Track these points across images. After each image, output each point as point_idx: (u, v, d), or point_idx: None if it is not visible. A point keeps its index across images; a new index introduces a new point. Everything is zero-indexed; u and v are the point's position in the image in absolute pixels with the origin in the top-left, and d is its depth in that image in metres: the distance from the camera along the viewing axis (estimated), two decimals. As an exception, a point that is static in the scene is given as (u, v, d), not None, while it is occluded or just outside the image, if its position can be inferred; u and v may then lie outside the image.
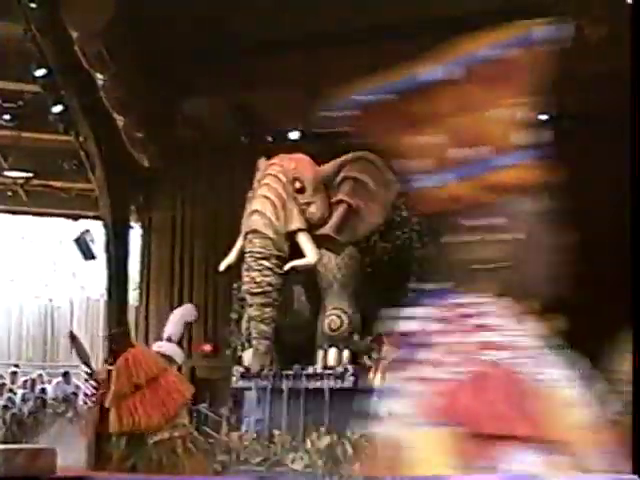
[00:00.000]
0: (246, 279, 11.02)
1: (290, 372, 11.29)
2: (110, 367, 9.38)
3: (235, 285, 12.24)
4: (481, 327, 3.15)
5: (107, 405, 8.83)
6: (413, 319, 3.26)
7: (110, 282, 16.16)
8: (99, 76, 14.24)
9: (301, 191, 11.22)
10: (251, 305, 11.06)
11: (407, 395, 3.12)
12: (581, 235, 4.04)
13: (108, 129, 15.17)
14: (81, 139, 15.28)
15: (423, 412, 3.06)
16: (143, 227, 17.04)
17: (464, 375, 3.07)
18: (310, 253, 11.01)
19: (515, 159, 3.17)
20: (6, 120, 16.07)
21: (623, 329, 5.63)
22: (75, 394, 16.62)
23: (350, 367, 11.14)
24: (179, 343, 11.40)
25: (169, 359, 10.18)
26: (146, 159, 15.88)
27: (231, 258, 11.37)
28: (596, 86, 12.15)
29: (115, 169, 15.60)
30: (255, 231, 10.97)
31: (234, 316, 12.52)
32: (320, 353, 11.35)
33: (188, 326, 12.66)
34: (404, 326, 3.28)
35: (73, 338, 11.61)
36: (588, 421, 3.06)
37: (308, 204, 11.23)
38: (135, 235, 17.00)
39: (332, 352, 11.30)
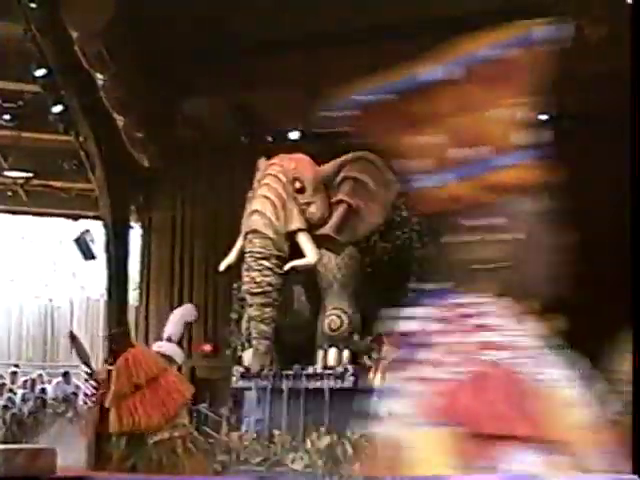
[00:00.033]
0: (246, 279, 11.01)
1: (290, 372, 11.29)
2: (110, 367, 9.38)
3: (235, 285, 12.24)
4: (481, 327, 3.15)
5: (107, 405, 8.83)
6: (413, 319, 3.26)
7: (110, 282, 16.16)
8: (99, 76, 14.24)
9: (301, 191, 11.22)
10: (251, 305, 11.06)
11: (407, 395, 3.12)
12: (581, 235, 4.05)
13: (108, 129, 15.18)
14: (81, 139, 15.28)
15: (423, 412, 3.06)
16: (143, 227, 17.04)
17: (464, 375, 3.07)
18: (310, 253, 11.01)
19: (515, 159, 3.17)
20: (6, 120, 16.07)
21: (623, 329, 5.62)
22: (75, 394, 16.63)
23: (350, 367, 11.14)
24: (179, 343, 11.40)
25: (169, 359, 10.18)
26: (146, 159, 15.89)
27: (231, 258, 11.37)
28: (596, 86, 12.15)
29: (115, 169, 15.60)
30: (255, 231, 10.96)
31: (234, 316, 12.52)
32: (320, 353, 11.35)
33: (188, 326, 12.66)
34: (404, 326, 3.28)
35: (73, 338, 11.61)
36: (588, 421, 3.06)
37: (308, 204, 11.22)
38: (135, 235, 17.00)
39: (332, 352, 11.30)
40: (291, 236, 11.06)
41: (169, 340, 11.10)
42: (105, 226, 16.08)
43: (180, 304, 15.03)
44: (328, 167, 11.49)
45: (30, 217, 21.02)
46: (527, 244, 3.19)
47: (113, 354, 9.28)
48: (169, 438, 8.76)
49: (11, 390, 17.15)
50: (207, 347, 15.68)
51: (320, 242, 11.14)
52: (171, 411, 8.71)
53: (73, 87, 14.56)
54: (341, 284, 11.50)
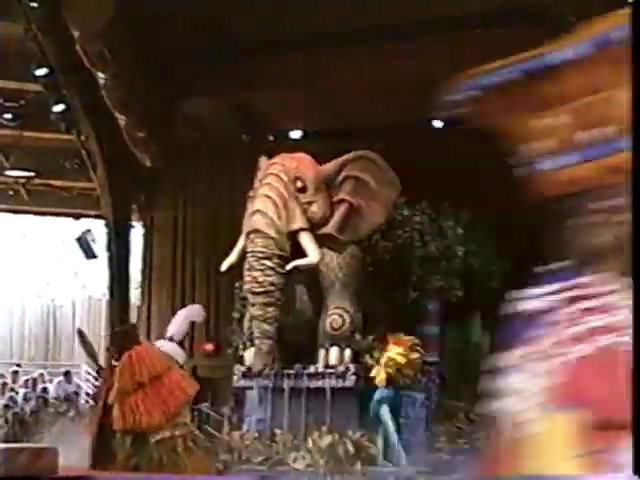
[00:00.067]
0: (248, 279, 11.02)
1: (292, 371, 11.30)
2: (115, 364, 9.37)
3: (237, 284, 12.26)
4: (603, 307, 3.13)
5: (110, 402, 8.84)
6: (536, 298, 3.25)
7: (112, 281, 16.18)
8: (100, 75, 14.23)
9: (303, 190, 11.22)
10: (253, 305, 11.07)
11: (530, 373, 3.10)
12: None
13: (109, 128, 15.18)
14: (82, 138, 15.29)
15: (548, 393, 3.03)
16: (145, 226, 17.05)
17: (585, 355, 3.04)
18: (312, 253, 11.01)
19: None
20: (8, 119, 16.08)
21: None
22: (77, 393, 16.66)
23: (352, 366, 11.15)
24: (181, 343, 11.39)
25: (170, 358, 10.18)
26: (148, 158, 15.89)
27: (233, 258, 11.37)
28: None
29: (117, 168, 15.61)
30: (257, 231, 10.97)
31: (236, 315, 12.55)
32: (322, 352, 11.36)
33: (191, 325, 12.67)
34: (527, 305, 3.27)
35: (81, 335, 11.65)
36: None
37: (310, 203, 11.23)
38: (137, 234, 17.01)
39: (334, 351, 11.31)
40: (293, 235, 11.06)
41: (171, 339, 11.10)
42: (107, 225, 16.09)
43: (182, 303, 15.04)
44: (329, 166, 11.49)
45: (32, 216, 21.05)
46: None
47: (119, 351, 9.27)
48: (170, 437, 8.76)
49: (13, 389, 17.18)
50: (209, 346, 15.69)
51: (322, 241, 11.15)
52: (172, 409, 8.71)
53: (74, 86, 14.57)
54: (343, 283, 11.51)
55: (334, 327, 11.29)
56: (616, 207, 3.21)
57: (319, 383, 11.20)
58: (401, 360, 10.87)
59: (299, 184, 11.20)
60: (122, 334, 9.81)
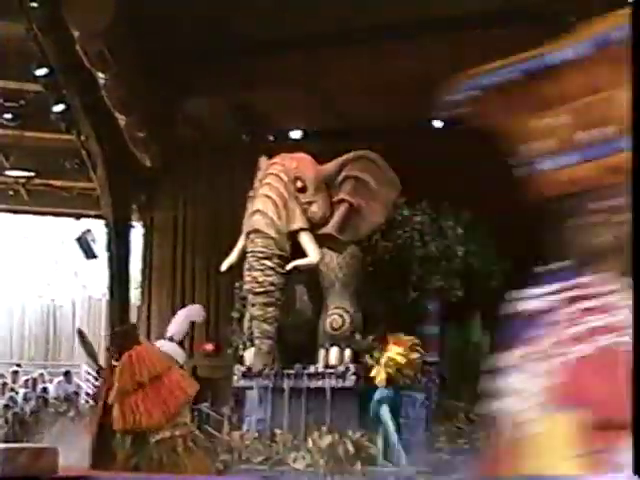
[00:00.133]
0: (248, 279, 11.01)
1: (291, 371, 11.31)
2: (116, 363, 9.36)
3: (237, 284, 12.26)
4: (603, 307, 3.14)
5: (110, 401, 8.84)
6: (536, 298, 3.25)
7: (112, 281, 16.17)
8: (100, 75, 14.24)
9: (303, 190, 11.21)
10: (253, 305, 11.06)
11: (530, 373, 3.10)
12: None
13: (110, 128, 15.18)
14: (83, 138, 15.29)
15: (548, 393, 3.04)
16: (145, 226, 17.05)
17: (585, 355, 3.04)
18: (313, 253, 11.01)
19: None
20: (8, 119, 16.09)
21: None
22: (77, 393, 16.66)
23: (352, 366, 11.15)
24: (181, 343, 11.39)
25: (170, 358, 10.18)
26: (148, 159, 15.89)
27: (233, 258, 11.37)
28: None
29: (117, 168, 15.61)
30: (257, 231, 10.97)
31: (236, 315, 12.55)
32: (322, 352, 11.36)
33: (191, 325, 12.66)
34: (527, 305, 3.27)
35: (81, 335, 11.65)
36: None
37: (310, 203, 11.22)
38: (137, 234, 17.02)
39: (334, 351, 11.31)
40: (293, 235, 11.06)
41: (171, 339, 11.10)
42: (107, 225, 16.09)
43: (182, 303, 15.04)
44: (329, 166, 11.49)
45: (32, 216, 21.05)
46: None
47: (119, 351, 9.28)
48: (170, 437, 8.76)
49: (13, 389, 17.18)
50: (209, 346, 15.69)
51: (322, 241, 11.15)
52: (172, 409, 8.70)
53: (75, 86, 14.57)
54: (343, 283, 11.51)
55: (334, 327, 11.29)
56: (616, 207, 3.21)
57: (319, 383, 11.20)
58: (401, 360, 10.87)
59: (299, 184, 11.20)
60: (122, 334, 9.81)
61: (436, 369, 12.20)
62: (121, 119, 15.07)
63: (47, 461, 7.11)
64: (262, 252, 10.90)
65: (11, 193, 18.92)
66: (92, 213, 17.77)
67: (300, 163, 11.39)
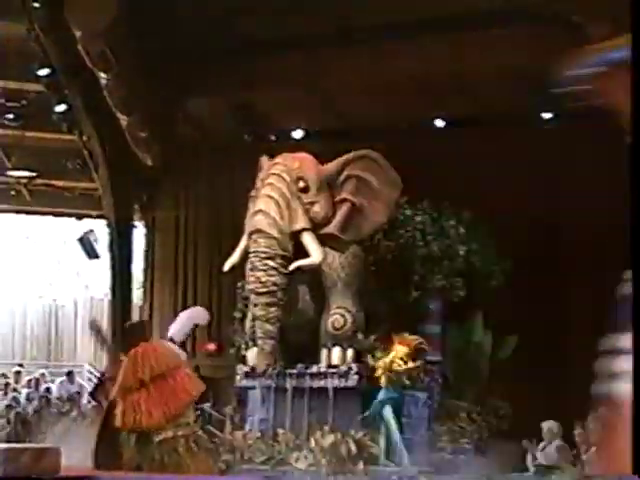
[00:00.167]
0: (251, 279, 11.00)
1: (294, 371, 11.30)
2: (123, 359, 9.35)
3: (239, 284, 12.26)
4: None
5: (112, 397, 8.84)
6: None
7: (114, 281, 16.18)
8: (102, 75, 14.26)
9: (305, 190, 11.20)
10: (256, 305, 11.05)
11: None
12: None
13: (112, 128, 15.20)
14: (84, 138, 15.29)
15: None
16: (147, 226, 17.05)
17: None
18: (315, 253, 11.00)
19: None
20: (10, 119, 16.10)
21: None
22: (79, 393, 16.66)
23: (354, 366, 11.15)
24: (183, 344, 11.40)
25: (179, 359, 10.18)
26: (150, 158, 15.91)
27: (235, 258, 11.36)
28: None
29: (119, 168, 15.61)
30: (259, 231, 10.96)
31: (238, 315, 12.55)
32: (324, 352, 11.36)
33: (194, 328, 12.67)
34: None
35: (95, 327, 11.65)
36: None
37: (312, 203, 11.21)
38: (139, 234, 17.02)
39: (336, 351, 11.30)
40: (295, 236, 11.05)
41: (171, 341, 11.13)
42: (109, 225, 16.09)
43: (184, 303, 15.06)
44: (331, 166, 11.48)
45: (34, 216, 21.05)
46: None
47: (128, 346, 9.26)
48: (173, 437, 8.77)
49: (15, 389, 17.20)
50: (211, 346, 15.69)
51: (324, 241, 11.14)
52: (173, 410, 8.71)
53: (76, 86, 14.58)
54: (345, 283, 11.51)
55: (336, 327, 11.29)
56: None
57: (321, 383, 11.20)
58: (400, 367, 10.83)
59: (301, 184, 11.18)
60: (130, 329, 9.83)
61: (438, 368, 12.18)
62: (123, 119, 15.10)
63: (49, 461, 7.13)
64: (265, 252, 10.88)
65: (13, 193, 18.93)
66: (94, 213, 17.78)
67: (302, 163, 11.37)
